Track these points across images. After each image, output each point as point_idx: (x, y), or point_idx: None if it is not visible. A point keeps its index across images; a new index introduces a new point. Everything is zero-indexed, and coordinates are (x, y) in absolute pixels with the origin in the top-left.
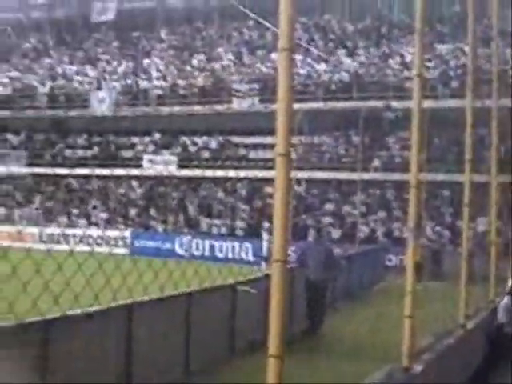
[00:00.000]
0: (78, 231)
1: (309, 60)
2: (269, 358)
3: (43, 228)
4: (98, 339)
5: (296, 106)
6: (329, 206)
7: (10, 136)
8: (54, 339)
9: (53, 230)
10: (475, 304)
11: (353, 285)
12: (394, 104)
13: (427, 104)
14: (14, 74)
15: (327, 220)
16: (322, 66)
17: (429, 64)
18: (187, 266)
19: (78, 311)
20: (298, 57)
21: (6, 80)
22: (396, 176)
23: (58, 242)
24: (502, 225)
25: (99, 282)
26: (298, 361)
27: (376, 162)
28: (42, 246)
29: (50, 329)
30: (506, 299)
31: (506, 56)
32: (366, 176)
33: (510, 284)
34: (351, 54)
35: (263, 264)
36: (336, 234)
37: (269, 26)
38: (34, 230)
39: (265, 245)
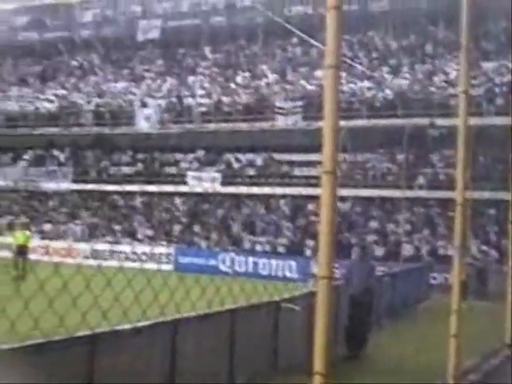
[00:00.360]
0: (123, 247)
1: (352, 77)
2: (314, 375)
3: (88, 244)
4: (144, 353)
5: (340, 123)
6: (373, 224)
7: (56, 152)
8: (101, 352)
9: (98, 246)
10: None
11: (397, 303)
12: (439, 121)
13: (472, 121)
14: (60, 91)
15: (371, 238)
16: (365, 84)
17: (474, 81)
18: (232, 283)
19: (126, 326)
20: (342, 74)
21: (52, 97)
22: (441, 194)
23: (104, 259)
24: None
25: (147, 298)
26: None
27: (420, 180)
28: (88, 262)
29: (97, 342)
30: None
31: None
32: (410, 194)
33: None
34: (395, 71)
35: (310, 281)
36: (380, 251)
37: (314, 43)
38: (80, 246)
39: (311, 262)
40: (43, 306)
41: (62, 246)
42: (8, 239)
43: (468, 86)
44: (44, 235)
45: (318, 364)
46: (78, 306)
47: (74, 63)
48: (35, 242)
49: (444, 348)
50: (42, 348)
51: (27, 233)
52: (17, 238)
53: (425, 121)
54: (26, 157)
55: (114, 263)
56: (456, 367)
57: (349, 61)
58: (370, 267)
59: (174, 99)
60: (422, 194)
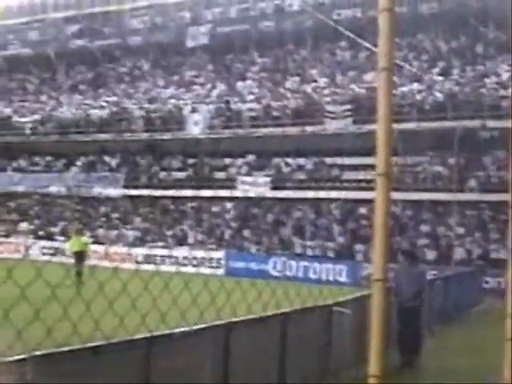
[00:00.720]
0: (175, 252)
1: (403, 80)
2: (370, 377)
3: (141, 249)
4: (199, 355)
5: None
6: (424, 228)
7: (108, 158)
8: (158, 354)
9: (150, 251)
10: None
11: (450, 307)
12: (490, 123)
13: None
14: (111, 98)
15: (422, 241)
16: (415, 86)
17: None
18: (284, 287)
19: (182, 328)
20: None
21: (104, 104)
22: (493, 196)
23: (156, 263)
24: None
25: (204, 301)
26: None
27: (472, 183)
28: (142, 267)
29: (154, 344)
30: None
31: None
32: (462, 196)
33: None
34: (445, 73)
35: (365, 284)
36: (431, 255)
37: (363, 46)
38: (132, 250)
39: (362, 266)
40: (104, 308)
41: (117, 251)
42: (64, 245)
43: None
44: (96, 240)
45: (374, 367)
46: (137, 309)
47: (125, 70)
48: (91, 248)
49: (500, 354)
50: (102, 349)
51: (84, 238)
52: (74, 243)
53: (476, 123)
54: (78, 163)
55: (166, 268)
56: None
57: (399, 62)
58: (419, 272)
59: (223, 104)
60: (474, 196)
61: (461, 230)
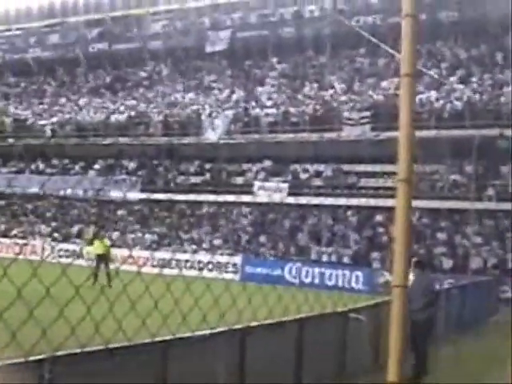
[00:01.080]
0: (190, 256)
1: (421, 87)
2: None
3: (158, 252)
4: (216, 358)
5: None
6: (441, 236)
7: (125, 162)
8: (174, 357)
9: (167, 254)
10: None
11: (466, 316)
12: (508, 132)
13: None
14: (130, 102)
15: (439, 250)
16: (434, 94)
17: None
18: (301, 293)
19: (202, 332)
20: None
21: (122, 108)
22: (510, 205)
23: (172, 267)
24: None
25: (223, 305)
26: None
27: (490, 191)
28: (160, 270)
29: (171, 347)
30: None
31: None
32: (479, 205)
33: None
34: (464, 81)
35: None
36: (448, 264)
37: (383, 53)
38: (152, 254)
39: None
40: (126, 310)
41: (138, 255)
42: (87, 248)
43: None
44: (113, 244)
45: (392, 374)
46: (159, 310)
47: (144, 74)
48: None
49: None
50: (119, 351)
51: (106, 241)
52: (98, 246)
53: (494, 132)
54: (96, 166)
55: (181, 272)
56: None
57: (421, 68)
58: (429, 282)
59: (241, 110)
60: (491, 205)
61: (478, 239)
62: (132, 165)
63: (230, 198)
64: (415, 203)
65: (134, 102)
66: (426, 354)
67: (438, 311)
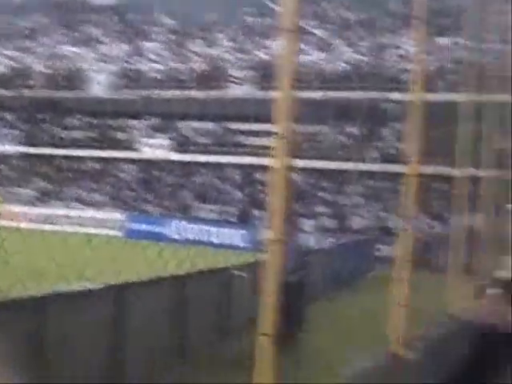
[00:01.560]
0: (73, 212)
1: (307, 49)
2: (260, 335)
3: (39, 208)
4: (94, 315)
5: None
6: (323, 195)
7: (7, 115)
8: (51, 313)
9: (48, 210)
10: (467, 295)
11: (344, 274)
12: (392, 96)
13: (426, 97)
14: (12, 53)
15: (321, 209)
16: (320, 55)
17: (428, 57)
18: (184, 250)
19: (79, 288)
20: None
21: (4, 60)
22: (392, 167)
23: (53, 223)
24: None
25: (101, 262)
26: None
27: (372, 153)
28: (40, 226)
29: (47, 303)
30: (493, 291)
31: None
32: (363, 166)
33: (496, 276)
34: (352, 44)
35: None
36: (329, 223)
37: (276, 8)
38: (30, 210)
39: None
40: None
41: (14, 210)
42: None
43: (421, 61)
44: None
45: (265, 325)
46: (37, 266)
47: (28, 25)
48: None
49: (390, 317)
50: None
51: None
52: None
53: (379, 95)
54: None
55: (63, 228)
56: (402, 335)
57: (307, 28)
58: (298, 245)
59: (127, 65)
60: (374, 167)
61: (359, 200)
62: (13, 118)
63: (115, 154)
64: (299, 163)
65: (16, 54)
66: (300, 313)
67: (317, 270)
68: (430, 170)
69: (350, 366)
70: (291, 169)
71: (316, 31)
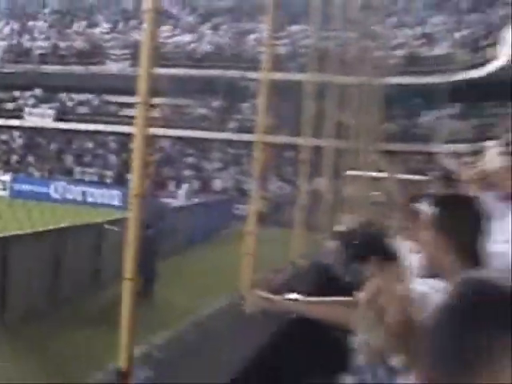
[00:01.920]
0: None
1: (177, 32)
2: (124, 280)
3: None
4: None
5: (162, 70)
6: (189, 160)
7: None
8: None
9: None
10: (308, 247)
11: (203, 229)
12: (250, 75)
13: (277, 76)
14: None
15: (187, 173)
16: (187, 37)
17: (281, 41)
18: (61, 208)
19: None
20: (168, 28)
21: None
22: (248, 137)
23: None
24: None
25: None
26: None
27: (231, 124)
28: None
29: None
30: (330, 243)
31: None
32: (223, 135)
33: (335, 231)
34: (215, 28)
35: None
36: (194, 185)
37: None
38: None
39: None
40: None
41: None
42: None
43: (271, 45)
44: None
45: (128, 271)
46: None
47: None
48: None
49: (240, 266)
50: None
51: None
52: None
53: (238, 73)
54: None
55: None
56: (248, 281)
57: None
58: (157, 203)
59: (15, 41)
60: (233, 136)
61: (220, 165)
62: None
63: (1, 122)
64: (168, 132)
65: None
66: (153, 271)
67: (178, 226)
68: (280, 139)
69: (204, 308)
70: (151, 136)
71: (185, 17)
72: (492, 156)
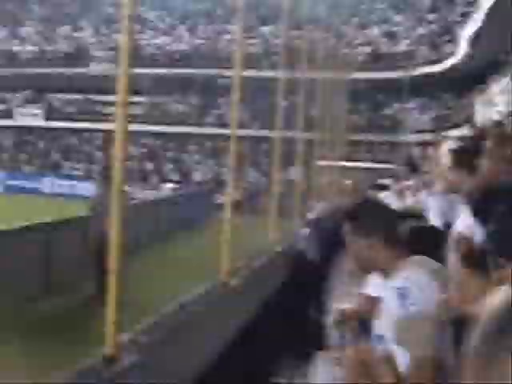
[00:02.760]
0: None
1: (156, 34)
2: (110, 271)
3: None
4: None
5: (144, 71)
6: (169, 154)
7: None
8: None
9: None
10: (283, 233)
11: (186, 218)
12: (226, 72)
13: (249, 73)
14: None
15: (168, 166)
16: (167, 39)
17: (253, 41)
18: (56, 202)
19: None
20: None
21: None
22: (226, 131)
23: None
24: (306, 173)
25: None
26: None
27: (209, 119)
28: None
29: None
30: (304, 230)
31: None
32: (201, 130)
33: (308, 218)
34: (192, 30)
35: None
36: (175, 177)
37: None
38: None
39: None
40: None
41: None
42: None
43: (243, 44)
44: None
45: (112, 262)
46: None
47: None
48: None
49: (219, 252)
50: None
51: None
52: None
53: (215, 71)
54: None
55: None
56: (227, 265)
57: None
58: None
59: (5, 46)
60: (211, 130)
61: (198, 158)
62: None
63: None
64: (149, 128)
65: None
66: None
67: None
68: (254, 133)
69: (186, 294)
70: (127, 132)
71: (163, 20)
72: (444, 152)
